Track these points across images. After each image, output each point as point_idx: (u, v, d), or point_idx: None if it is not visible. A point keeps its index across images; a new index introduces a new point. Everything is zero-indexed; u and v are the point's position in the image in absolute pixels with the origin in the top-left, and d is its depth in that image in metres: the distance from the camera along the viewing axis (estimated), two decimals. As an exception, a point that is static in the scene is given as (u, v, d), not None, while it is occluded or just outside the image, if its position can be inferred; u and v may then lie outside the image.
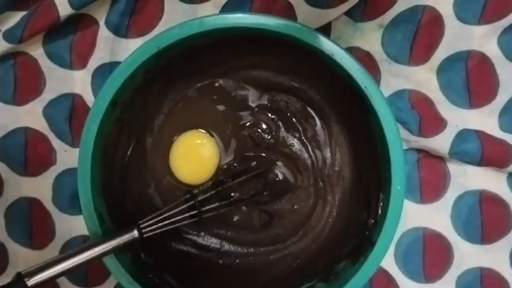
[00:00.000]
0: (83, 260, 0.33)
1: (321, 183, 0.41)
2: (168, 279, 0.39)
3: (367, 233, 0.37)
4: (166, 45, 0.34)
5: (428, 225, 0.41)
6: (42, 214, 0.43)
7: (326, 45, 0.33)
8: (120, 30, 0.41)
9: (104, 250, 0.33)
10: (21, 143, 0.43)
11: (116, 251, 0.34)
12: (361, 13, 0.40)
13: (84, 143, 0.35)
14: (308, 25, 0.36)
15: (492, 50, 0.39)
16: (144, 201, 0.41)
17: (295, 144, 0.41)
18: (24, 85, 0.42)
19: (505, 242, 0.41)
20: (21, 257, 0.43)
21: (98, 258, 0.33)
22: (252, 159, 0.41)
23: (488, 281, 0.41)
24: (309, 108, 0.41)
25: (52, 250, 0.43)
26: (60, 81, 0.42)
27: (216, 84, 0.41)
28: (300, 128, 0.41)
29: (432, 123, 0.40)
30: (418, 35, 0.40)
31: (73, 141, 0.43)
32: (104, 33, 0.41)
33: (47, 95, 0.42)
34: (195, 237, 0.41)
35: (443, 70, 0.40)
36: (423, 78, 0.40)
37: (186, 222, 0.37)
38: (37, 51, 0.42)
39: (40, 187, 0.43)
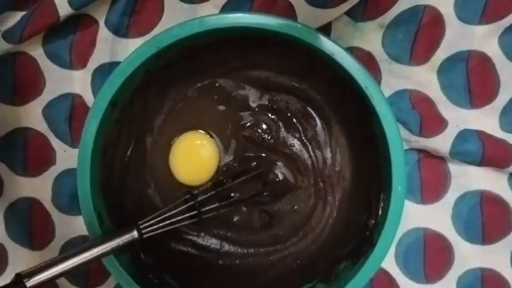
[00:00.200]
0: (83, 260, 0.32)
1: (321, 184, 0.41)
2: (168, 279, 0.39)
3: (367, 233, 0.37)
4: (165, 45, 0.34)
5: (428, 226, 0.41)
6: (42, 214, 0.43)
7: (327, 45, 0.33)
8: (120, 30, 0.41)
9: (103, 251, 0.33)
10: (20, 143, 0.43)
11: (115, 251, 0.34)
12: (361, 13, 0.40)
13: (83, 143, 0.35)
14: (308, 25, 0.35)
15: (493, 50, 0.39)
16: (144, 202, 0.41)
17: (296, 144, 0.41)
18: (24, 85, 0.42)
19: (506, 242, 0.41)
20: (21, 257, 0.43)
21: (98, 258, 0.33)
22: (252, 160, 0.41)
23: (489, 282, 0.41)
24: (309, 109, 0.41)
25: (52, 250, 0.43)
26: (60, 82, 0.42)
27: (216, 85, 0.41)
28: (300, 128, 0.41)
29: (433, 123, 0.40)
30: (419, 35, 0.40)
31: (73, 141, 0.43)
32: (104, 33, 0.41)
33: (47, 95, 0.42)
34: (194, 238, 0.41)
35: (443, 70, 0.40)
36: (424, 78, 0.40)
37: (186, 222, 0.37)
38: (37, 51, 0.42)
39: (40, 187, 0.43)
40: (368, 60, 0.40)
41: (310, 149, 0.41)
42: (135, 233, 0.34)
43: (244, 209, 0.41)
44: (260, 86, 0.41)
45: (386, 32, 0.40)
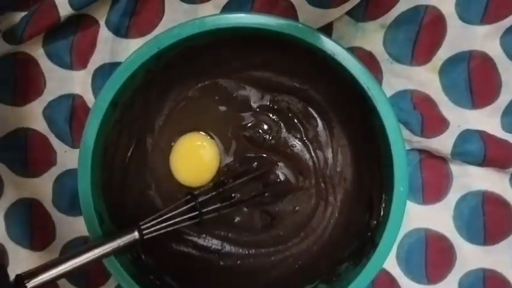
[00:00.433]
0: (84, 261, 0.32)
1: (322, 184, 0.41)
2: (169, 280, 0.39)
3: (369, 234, 0.37)
4: (166, 45, 0.34)
5: (430, 226, 0.41)
6: (43, 215, 0.43)
7: (328, 45, 0.33)
8: (120, 31, 0.41)
9: (104, 251, 0.33)
10: (21, 144, 0.43)
11: (116, 252, 0.34)
12: (363, 13, 0.40)
13: (84, 144, 0.35)
14: (310, 25, 0.35)
15: (494, 50, 0.39)
16: (144, 202, 0.41)
17: (297, 145, 0.41)
18: (25, 86, 0.42)
19: (508, 243, 0.41)
20: (22, 258, 0.43)
21: (99, 259, 0.33)
22: (253, 160, 0.41)
23: (491, 283, 0.41)
24: (310, 109, 0.41)
25: (52, 251, 0.43)
26: (60, 82, 0.42)
27: (217, 85, 0.41)
28: (301, 129, 0.41)
29: (434, 123, 0.40)
30: (420, 35, 0.40)
31: (73, 142, 0.42)
32: (104, 33, 0.41)
33: (47, 96, 0.42)
34: (195, 239, 0.41)
35: (445, 70, 0.40)
36: (425, 79, 0.40)
37: (187, 223, 0.37)
38: (37, 52, 0.42)
39: (40, 188, 0.43)
40: (369, 60, 0.40)
41: (311, 149, 0.41)
42: (136, 234, 0.34)
43: (245, 209, 0.41)
44: (261, 86, 0.41)
45: (388, 32, 0.40)
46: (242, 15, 0.34)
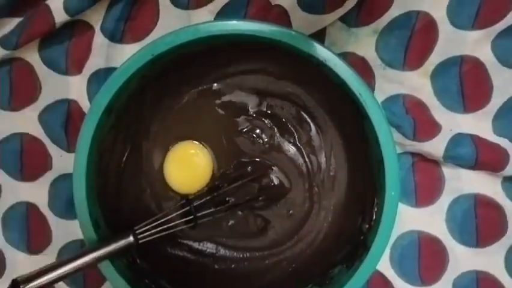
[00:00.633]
0: (79, 266, 0.32)
1: (316, 188, 0.41)
2: (164, 284, 0.39)
3: (362, 237, 0.37)
4: (161, 52, 0.34)
5: (423, 229, 0.42)
6: (39, 219, 0.43)
7: (320, 51, 0.34)
8: (115, 36, 0.41)
9: (99, 256, 0.33)
10: (17, 149, 0.43)
11: (111, 256, 0.34)
12: (355, 19, 0.40)
13: (79, 149, 0.35)
14: (303, 31, 0.36)
15: (486, 54, 0.40)
16: (140, 207, 0.41)
17: (291, 149, 0.41)
18: (20, 91, 0.43)
19: (500, 245, 0.41)
20: (19, 261, 0.44)
21: (94, 264, 0.33)
22: (247, 165, 0.41)
23: (484, 284, 0.41)
24: (304, 114, 0.41)
25: (49, 255, 0.43)
26: (56, 87, 0.42)
27: (211, 90, 0.41)
28: (295, 133, 0.41)
29: (426, 127, 0.40)
30: (412, 40, 0.40)
31: (69, 146, 0.43)
32: (99, 39, 0.41)
33: (43, 101, 0.43)
34: (190, 242, 0.41)
35: (437, 75, 0.40)
36: (417, 83, 0.41)
37: (182, 227, 0.37)
38: (33, 57, 0.42)
39: (36, 192, 0.43)
40: (362, 65, 0.40)
41: (305, 153, 0.41)
42: (131, 238, 0.34)
43: (239, 213, 0.41)
44: (255, 91, 0.41)
45: (380, 37, 0.40)
46: (235, 22, 0.34)
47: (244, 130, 0.41)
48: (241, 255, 0.41)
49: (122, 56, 0.41)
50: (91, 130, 0.35)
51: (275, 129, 0.41)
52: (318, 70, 0.35)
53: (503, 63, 0.40)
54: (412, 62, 0.40)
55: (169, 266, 0.40)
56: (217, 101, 0.41)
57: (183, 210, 0.37)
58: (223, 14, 0.41)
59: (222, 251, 0.41)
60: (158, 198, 0.41)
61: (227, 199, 0.40)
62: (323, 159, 0.41)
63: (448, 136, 0.40)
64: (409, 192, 0.41)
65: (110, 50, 0.41)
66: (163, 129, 0.41)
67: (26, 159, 0.43)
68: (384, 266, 0.42)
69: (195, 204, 0.37)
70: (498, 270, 0.41)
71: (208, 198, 0.38)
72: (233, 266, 0.41)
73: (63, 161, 0.43)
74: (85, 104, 0.42)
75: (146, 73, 0.36)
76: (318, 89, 0.40)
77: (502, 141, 0.40)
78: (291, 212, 0.41)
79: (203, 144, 0.41)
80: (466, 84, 0.40)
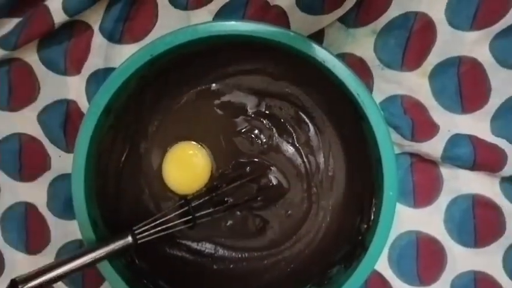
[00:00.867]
0: (77, 266, 0.32)
1: (314, 189, 0.41)
2: (162, 284, 0.39)
3: (360, 238, 0.37)
4: (159, 52, 0.34)
5: (421, 229, 0.42)
6: (37, 219, 0.43)
7: (318, 52, 0.34)
8: (114, 36, 0.41)
9: (98, 256, 0.33)
10: (16, 149, 0.43)
11: (110, 256, 0.34)
12: (354, 19, 0.40)
13: (78, 149, 0.35)
14: (301, 32, 0.36)
15: (484, 55, 0.40)
16: (138, 207, 0.41)
17: (289, 149, 0.41)
18: (19, 91, 0.43)
19: (498, 245, 0.41)
20: (17, 262, 0.44)
21: (93, 264, 0.33)
22: (246, 165, 0.41)
23: (482, 285, 0.41)
24: (302, 114, 0.41)
25: (48, 255, 0.43)
26: (54, 87, 0.42)
27: (210, 91, 0.41)
28: (293, 134, 0.41)
29: (424, 128, 0.40)
30: (410, 41, 0.40)
31: (67, 146, 0.43)
32: (98, 39, 0.41)
33: (42, 101, 0.43)
34: (189, 243, 0.42)
35: (435, 75, 0.40)
36: (415, 84, 0.41)
37: (180, 227, 0.37)
38: (32, 58, 0.42)
39: (35, 192, 0.43)
40: (360, 66, 0.41)
41: (303, 154, 0.41)
42: (129, 239, 0.34)
43: (238, 213, 0.41)
44: (253, 92, 0.41)
45: (378, 38, 0.40)
46: (234, 23, 0.34)
47: (243, 130, 0.41)
48: (239, 256, 0.41)
49: (121, 56, 0.41)
50: (89, 130, 0.35)
51: (274, 129, 0.41)
52: (316, 71, 0.35)
53: (501, 64, 0.40)
54: (410, 63, 0.40)
55: (168, 266, 0.40)
56: (216, 102, 0.41)
57: (182, 210, 0.37)
58: (222, 14, 0.41)
59: (221, 251, 0.41)
60: (157, 198, 0.41)
61: (225, 199, 0.41)
62: (321, 160, 0.41)
63: (446, 136, 0.40)
64: (407, 193, 0.41)
65: (109, 51, 0.41)
66: (162, 129, 0.41)
67: (25, 160, 0.43)
68: (383, 266, 0.42)
69: (194, 204, 0.38)
70: (496, 271, 0.41)
71: (206, 198, 0.38)
72: (231, 266, 0.41)
73: (62, 161, 0.43)
74: (83, 104, 0.42)
75: (145, 73, 0.36)
76: (317, 90, 0.40)
77: (500, 142, 0.40)
78: (289, 212, 0.41)
79: (201, 145, 0.41)
80: (464, 84, 0.40)
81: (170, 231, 0.36)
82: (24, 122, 0.43)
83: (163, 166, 0.41)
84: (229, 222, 0.41)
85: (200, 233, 0.41)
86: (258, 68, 0.40)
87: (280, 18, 0.40)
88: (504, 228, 0.41)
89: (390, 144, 0.34)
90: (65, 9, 0.39)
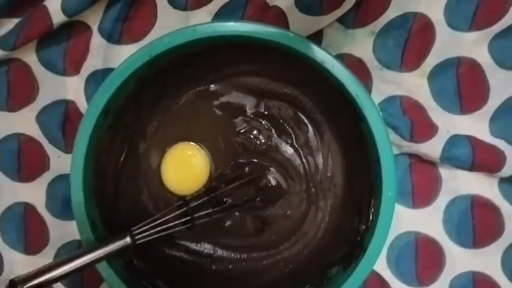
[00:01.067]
0: (76, 266, 0.32)
1: (313, 189, 0.41)
2: (161, 285, 0.39)
3: (358, 238, 0.37)
4: (158, 53, 0.34)
5: (420, 230, 0.42)
6: (36, 219, 0.43)
7: (317, 53, 0.34)
8: (113, 37, 0.41)
9: (97, 257, 0.33)
10: (14, 149, 0.43)
11: (109, 257, 0.34)
12: (353, 20, 0.40)
13: (76, 149, 0.35)
14: (300, 32, 0.36)
15: (482, 56, 0.40)
16: (137, 208, 0.41)
17: (288, 150, 0.41)
18: (18, 91, 0.43)
19: (497, 246, 0.41)
20: (16, 262, 0.44)
21: (91, 264, 0.33)
22: (244, 166, 0.41)
23: (480, 285, 0.41)
24: (301, 115, 0.41)
25: (46, 255, 0.43)
26: (53, 88, 0.42)
27: (209, 91, 0.41)
28: (292, 134, 0.41)
29: (423, 128, 0.40)
30: (409, 42, 0.40)
31: (66, 147, 0.43)
32: (97, 39, 0.41)
33: (41, 102, 0.43)
34: (187, 243, 0.42)
35: (434, 76, 0.40)
36: (414, 84, 0.41)
37: (179, 228, 0.37)
38: (31, 58, 0.42)
39: (34, 193, 0.43)
40: (359, 66, 0.41)
41: (302, 154, 0.41)
42: (128, 239, 0.34)
43: (237, 214, 0.41)
44: (252, 92, 0.41)
45: (377, 38, 0.40)
46: (232, 23, 0.34)
47: (242, 131, 0.41)
48: (238, 256, 0.41)
49: (120, 57, 0.41)
50: (88, 131, 0.35)
51: (272, 130, 0.41)
52: (315, 71, 0.35)
53: (500, 65, 0.40)
54: (409, 63, 0.40)
55: (167, 267, 0.40)
56: (215, 102, 0.41)
57: (180, 211, 0.37)
58: (221, 15, 0.41)
59: (220, 252, 0.41)
60: (156, 199, 0.41)
61: (224, 200, 0.41)
62: (320, 160, 0.41)
63: (445, 137, 0.40)
64: (406, 193, 0.41)
65: (107, 51, 0.41)
66: (161, 129, 0.41)
67: (24, 160, 0.43)
68: (381, 266, 0.42)
69: (192, 205, 0.37)
70: (495, 271, 0.41)
71: (205, 199, 0.38)
72: (230, 266, 0.41)
73: (60, 162, 0.43)
74: (82, 105, 0.42)
75: (143, 74, 0.36)
76: (316, 90, 0.40)
77: (499, 143, 0.40)
78: (288, 212, 0.41)
79: (200, 146, 0.41)
80: (463, 85, 0.40)
81: (169, 231, 0.36)
82: (23, 122, 0.43)
83: (162, 167, 0.41)
84: (228, 223, 0.41)
85: (199, 233, 0.41)
86: (257, 68, 0.40)
87: (279, 18, 0.40)
88: (503, 229, 0.41)
89: (389, 144, 0.34)
90: (64, 10, 0.39)
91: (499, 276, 0.41)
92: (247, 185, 0.40)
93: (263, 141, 0.41)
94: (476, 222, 0.41)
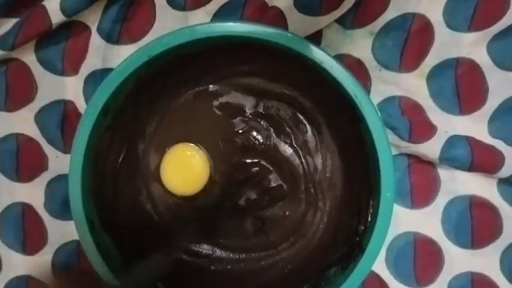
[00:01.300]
0: None
1: (312, 190, 0.41)
2: (160, 285, 0.39)
3: (357, 239, 0.37)
4: (157, 53, 0.34)
5: (418, 230, 0.42)
6: (35, 219, 0.43)
7: (316, 53, 0.33)
8: (112, 37, 0.41)
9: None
10: (13, 149, 0.43)
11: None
12: (352, 20, 0.40)
13: (75, 149, 0.35)
14: (299, 33, 0.36)
15: (481, 57, 0.40)
16: (136, 208, 0.41)
17: (287, 150, 0.41)
18: (16, 91, 0.42)
19: (495, 246, 0.41)
20: (15, 262, 0.43)
21: None
22: (244, 166, 0.41)
23: (479, 286, 0.41)
24: (300, 115, 0.41)
25: (45, 255, 0.43)
26: (52, 88, 0.42)
27: (208, 91, 0.41)
28: (291, 135, 0.41)
29: (422, 129, 0.40)
30: (408, 42, 0.40)
31: (65, 147, 0.43)
32: (96, 39, 0.41)
33: (39, 102, 0.42)
34: (186, 244, 0.41)
35: (433, 77, 0.40)
36: (413, 85, 0.41)
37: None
38: (29, 58, 0.42)
39: (32, 193, 0.43)
40: (357, 67, 0.41)
41: (301, 155, 0.41)
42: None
43: (236, 214, 0.41)
44: (251, 92, 0.41)
45: (376, 39, 0.40)
46: (232, 24, 0.34)
47: (241, 132, 0.41)
48: (237, 256, 0.41)
49: (119, 57, 0.41)
50: (87, 131, 0.35)
51: (271, 130, 0.41)
52: (314, 72, 0.35)
53: (499, 66, 0.40)
54: (408, 64, 0.40)
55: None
56: (214, 102, 0.41)
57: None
58: (220, 15, 0.41)
59: (218, 252, 0.41)
60: (155, 199, 0.41)
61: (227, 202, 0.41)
62: (319, 161, 0.41)
63: (444, 138, 0.40)
64: (405, 194, 0.41)
65: (106, 51, 0.41)
66: (160, 130, 0.41)
67: (22, 160, 0.43)
68: (380, 267, 0.42)
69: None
70: (493, 272, 0.41)
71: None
72: (229, 267, 0.41)
73: (59, 162, 0.43)
74: (81, 105, 0.42)
75: (142, 74, 0.36)
76: (314, 91, 0.40)
77: (498, 143, 0.40)
78: (287, 213, 0.41)
79: (199, 146, 0.41)
80: (462, 86, 0.40)
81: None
82: (22, 122, 0.43)
83: (161, 167, 0.41)
84: (227, 223, 0.41)
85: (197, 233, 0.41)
86: (256, 69, 0.40)
87: (278, 19, 0.40)
88: (501, 230, 0.41)
89: (387, 145, 0.34)
90: (63, 10, 0.39)
91: (497, 276, 0.41)
92: (247, 186, 0.41)
93: (262, 141, 0.41)
94: (474, 223, 0.41)
